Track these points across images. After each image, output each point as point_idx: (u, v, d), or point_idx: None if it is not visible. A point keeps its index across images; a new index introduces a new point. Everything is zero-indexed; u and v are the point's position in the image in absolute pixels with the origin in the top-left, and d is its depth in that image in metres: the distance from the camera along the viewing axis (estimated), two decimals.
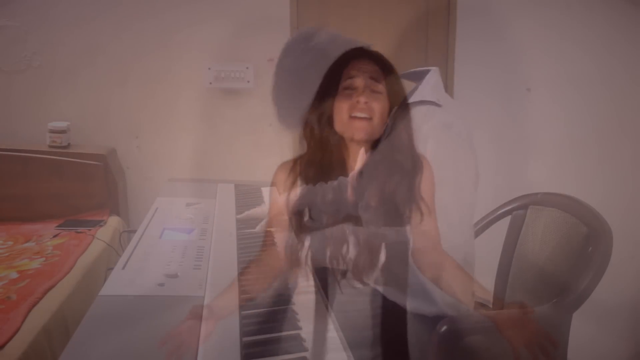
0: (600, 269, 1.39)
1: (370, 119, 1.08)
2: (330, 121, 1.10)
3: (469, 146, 1.35)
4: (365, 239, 1.09)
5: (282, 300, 1.18)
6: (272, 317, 1.13)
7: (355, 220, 1.09)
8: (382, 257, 1.11)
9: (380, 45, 1.58)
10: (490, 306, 1.72)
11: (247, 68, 2.53)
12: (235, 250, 1.48)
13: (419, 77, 1.42)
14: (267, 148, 2.58)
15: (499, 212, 1.73)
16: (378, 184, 1.09)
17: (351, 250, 1.11)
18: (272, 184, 1.20)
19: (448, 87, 2.54)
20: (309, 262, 1.14)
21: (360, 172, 1.10)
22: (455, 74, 2.53)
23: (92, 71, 2.54)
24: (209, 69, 2.52)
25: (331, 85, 1.10)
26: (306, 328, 1.09)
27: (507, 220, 1.72)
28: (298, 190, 1.13)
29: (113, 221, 2.34)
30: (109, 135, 2.59)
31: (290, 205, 1.13)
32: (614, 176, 2.52)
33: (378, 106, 1.08)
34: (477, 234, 1.73)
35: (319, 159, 1.12)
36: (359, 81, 1.09)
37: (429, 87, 1.38)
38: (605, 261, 1.40)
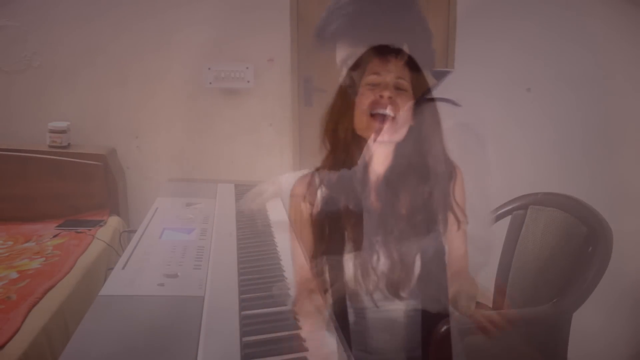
0: (600, 269, 1.39)
1: (393, 117, 0.99)
2: (351, 121, 1.01)
3: (486, 147, 1.33)
4: (398, 250, 1.02)
5: (282, 301, 1.18)
6: (272, 317, 1.13)
7: (384, 230, 1.02)
8: (417, 268, 1.04)
9: None
10: (490, 306, 1.73)
11: (247, 68, 2.53)
12: (235, 250, 1.48)
13: (438, 76, 1.40)
14: (267, 148, 2.59)
15: (499, 212, 1.73)
16: (409, 191, 1.01)
17: (382, 263, 1.03)
18: (292, 198, 1.12)
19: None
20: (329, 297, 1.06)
21: (386, 178, 1.04)
22: (455, 74, 2.53)
23: (92, 71, 2.54)
24: (209, 69, 2.52)
25: (354, 80, 1.02)
26: (306, 328, 1.09)
27: (507, 220, 1.72)
28: (319, 201, 1.05)
29: (113, 221, 2.34)
30: (109, 135, 2.59)
31: (313, 218, 1.05)
32: (614, 176, 2.52)
33: (403, 102, 1.00)
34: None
35: (341, 165, 1.04)
36: (384, 76, 1.00)
37: (447, 86, 1.35)
38: (605, 261, 1.40)
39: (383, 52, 1.04)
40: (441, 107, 1.23)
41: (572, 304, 1.38)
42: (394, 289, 1.04)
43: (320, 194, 1.05)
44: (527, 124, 2.55)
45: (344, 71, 1.24)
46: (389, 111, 0.98)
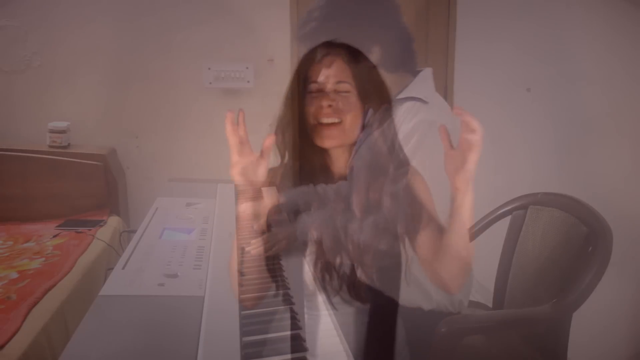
0: (600, 269, 1.39)
1: (339, 122, 0.99)
2: (303, 127, 1.02)
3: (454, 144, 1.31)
4: (359, 252, 1.00)
5: (282, 301, 1.18)
6: (272, 317, 1.13)
7: (344, 231, 1.00)
8: (376, 269, 1.02)
9: None
10: (490, 306, 1.73)
11: (247, 68, 2.53)
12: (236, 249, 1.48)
13: (413, 74, 1.39)
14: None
15: (499, 212, 1.73)
16: (362, 192, 1.00)
17: (345, 265, 1.02)
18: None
19: (448, 87, 2.55)
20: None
21: (344, 180, 1.03)
22: (455, 74, 2.53)
23: (92, 71, 2.54)
24: (209, 69, 2.52)
25: (298, 87, 1.03)
26: (306, 328, 1.09)
27: (507, 220, 1.72)
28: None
29: (113, 221, 2.34)
30: (109, 135, 2.59)
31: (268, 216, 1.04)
32: (614, 176, 2.52)
33: (347, 107, 0.99)
34: (477, 234, 1.73)
35: (296, 170, 1.05)
36: (323, 83, 1.00)
37: (417, 85, 1.33)
38: (605, 261, 1.40)
39: (318, 56, 1.02)
40: (406, 105, 1.24)
41: (572, 304, 1.38)
42: (358, 294, 1.02)
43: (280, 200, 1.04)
44: (527, 124, 2.55)
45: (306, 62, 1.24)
46: (333, 119, 0.98)
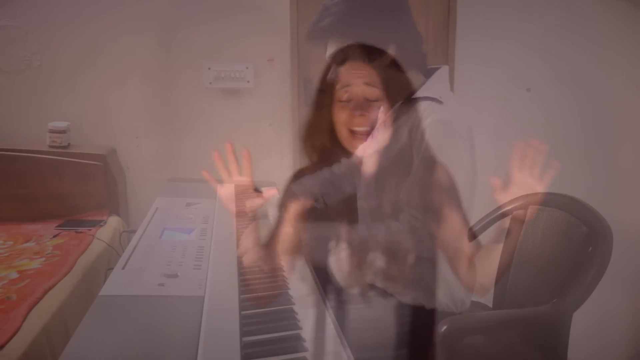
0: (600, 269, 1.39)
1: (369, 131, 1.02)
2: (332, 133, 1.04)
3: (468, 144, 1.32)
4: (390, 247, 1.04)
5: (282, 300, 1.18)
6: (272, 317, 1.14)
7: (377, 228, 1.05)
8: (414, 265, 1.06)
9: None
10: (490, 306, 1.73)
11: (247, 68, 2.53)
12: (235, 250, 1.48)
13: (428, 74, 1.39)
14: (267, 148, 2.59)
15: (498, 212, 1.73)
16: (391, 190, 1.04)
17: (379, 260, 1.06)
18: (285, 193, 1.15)
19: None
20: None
21: (375, 178, 1.06)
22: (455, 74, 2.53)
23: (92, 71, 2.54)
24: (209, 69, 2.52)
25: (327, 92, 1.04)
26: (306, 328, 1.09)
27: (507, 220, 1.72)
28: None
29: (113, 221, 2.34)
30: (109, 135, 2.59)
31: (303, 213, 1.08)
32: (614, 176, 2.53)
33: (375, 114, 1.02)
34: (477, 234, 1.73)
35: (338, 172, 1.08)
36: (353, 91, 1.02)
37: (434, 84, 1.32)
38: (605, 261, 1.40)
39: (348, 60, 1.04)
40: (421, 105, 1.22)
41: (572, 304, 1.38)
42: (392, 285, 1.06)
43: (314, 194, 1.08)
44: (527, 124, 2.55)
45: (332, 66, 1.25)
46: (365, 127, 1.00)
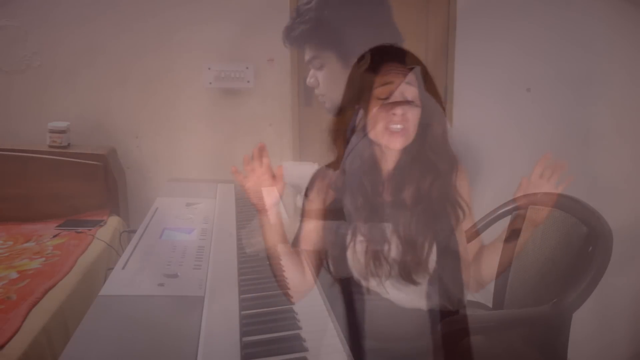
0: (600, 269, 1.39)
1: (405, 128, 1.06)
2: (364, 128, 1.08)
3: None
4: (408, 237, 1.09)
5: (282, 300, 1.18)
6: (272, 317, 1.14)
7: (396, 220, 1.09)
8: (434, 256, 1.10)
9: None
10: (490, 306, 1.73)
11: (247, 68, 2.53)
12: (235, 250, 1.48)
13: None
14: (267, 148, 2.58)
15: (499, 212, 1.73)
16: (413, 183, 1.09)
17: (393, 250, 1.10)
18: (309, 190, 1.18)
19: (448, 87, 2.55)
20: (333, 270, 1.14)
21: (395, 172, 1.11)
22: (455, 74, 2.53)
23: (92, 71, 2.54)
24: (209, 69, 2.52)
25: (364, 89, 1.07)
26: (306, 328, 1.09)
27: (507, 220, 1.72)
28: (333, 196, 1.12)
29: (113, 221, 2.34)
30: (109, 135, 2.59)
31: (326, 209, 1.12)
32: (614, 176, 2.52)
33: (413, 115, 1.06)
34: (477, 234, 1.73)
35: (352, 165, 1.11)
36: (395, 89, 1.05)
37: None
38: (605, 261, 1.40)
39: (390, 57, 1.08)
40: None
41: (572, 304, 1.38)
42: (407, 275, 1.09)
43: (335, 189, 1.12)
44: (527, 124, 2.55)
45: (310, 71, 1.35)
46: (402, 126, 1.05)
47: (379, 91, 1.06)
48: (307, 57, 1.38)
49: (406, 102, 1.06)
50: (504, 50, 2.50)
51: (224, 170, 2.57)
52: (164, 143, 2.59)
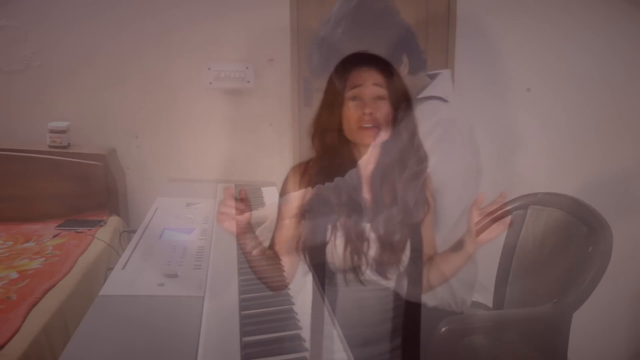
0: (600, 269, 1.39)
1: (376, 126, 1.13)
2: (339, 128, 1.15)
3: (470, 143, 1.38)
4: (386, 235, 1.14)
5: (282, 300, 1.18)
6: (272, 317, 1.13)
7: (373, 217, 1.15)
8: (407, 252, 1.16)
9: None
10: (490, 306, 1.73)
11: (247, 68, 2.53)
12: (235, 250, 1.48)
13: (433, 77, 1.49)
14: (267, 148, 2.59)
15: (499, 212, 1.73)
16: (390, 182, 1.15)
17: (371, 247, 1.15)
18: (284, 190, 1.23)
19: None
20: (308, 262, 1.18)
21: (374, 173, 1.17)
22: (455, 74, 2.53)
23: (92, 71, 2.54)
24: (209, 69, 2.52)
25: (338, 93, 1.15)
26: (306, 328, 1.09)
27: (506, 220, 1.72)
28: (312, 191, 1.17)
29: (113, 221, 2.34)
30: (109, 135, 2.59)
31: (304, 204, 1.17)
32: (614, 176, 2.52)
33: (382, 113, 1.13)
34: (477, 234, 1.73)
35: (330, 164, 1.17)
36: (364, 91, 1.14)
37: (438, 85, 1.43)
38: (605, 261, 1.40)
39: (358, 63, 1.16)
40: (428, 103, 1.36)
41: (572, 304, 1.38)
42: (382, 271, 1.16)
43: (312, 185, 1.17)
44: (527, 124, 2.55)
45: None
46: (372, 124, 1.13)
47: (350, 93, 1.14)
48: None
49: (375, 100, 1.14)
50: (504, 50, 2.50)
51: (224, 170, 2.58)
52: (164, 143, 2.59)
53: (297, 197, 1.19)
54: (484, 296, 1.76)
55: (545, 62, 2.50)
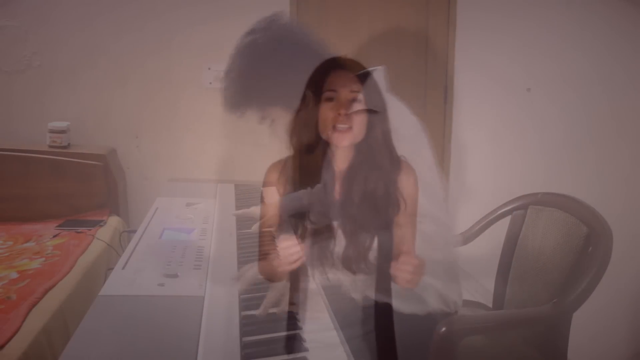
0: (600, 269, 1.39)
1: (350, 128, 1.15)
2: (316, 128, 1.17)
3: (420, 143, 1.38)
4: (352, 232, 1.18)
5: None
6: (272, 317, 1.14)
7: (343, 216, 1.18)
8: (374, 250, 1.18)
9: (380, 45, 1.54)
10: (490, 306, 1.73)
11: None
12: (235, 250, 1.48)
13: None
14: (267, 148, 2.58)
15: (499, 212, 1.73)
16: (361, 182, 1.17)
17: (338, 244, 1.18)
18: (265, 185, 1.30)
19: (448, 87, 2.55)
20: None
21: (347, 171, 1.19)
22: (455, 74, 2.53)
23: (92, 71, 2.54)
24: (209, 69, 2.52)
25: (315, 95, 1.18)
26: (306, 328, 1.09)
27: (507, 220, 1.72)
28: (289, 192, 1.21)
29: (113, 221, 2.34)
30: (109, 135, 2.59)
31: (281, 207, 1.21)
32: (614, 176, 2.53)
33: (357, 116, 1.16)
34: (477, 234, 1.73)
35: (307, 163, 1.20)
36: (341, 93, 1.16)
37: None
38: (605, 261, 1.40)
39: (336, 67, 1.19)
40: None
41: (572, 304, 1.39)
42: (348, 265, 1.19)
43: (290, 184, 1.22)
44: (527, 124, 2.55)
45: (272, 126, 1.52)
46: (347, 125, 1.15)
47: (326, 95, 1.16)
48: (259, 117, 1.52)
49: (351, 102, 1.16)
50: (504, 50, 2.50)
51: (224, 170, 2.58)
52: (164, 143, 2.59)
53: (274, 192, 1.25)
54: (484, 296, 1.76)
55: (545, 63, 2.50)
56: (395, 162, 1.20)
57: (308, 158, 1.19)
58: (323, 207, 1.18)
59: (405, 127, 1.33)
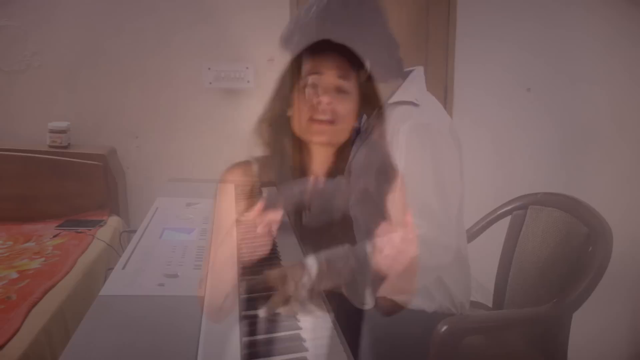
0: (600, 269, 1.39)
1: (332, 121, 0.96)
2: (288, 122, 0.99)
3: (450, 143, 1.26)
4: (357, 233, 1.07)
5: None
6: (272, 317, 1.13)
7: (320, 230, 1.09)
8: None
9: None
10: (490, 306, 1.73)
11: (247, 68, 2.53)
12: (235, 250, 1.48)
13: (404, 77, 1.37)
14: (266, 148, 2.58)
15: (499, 212, 1.73)
16: (362, 183, 1.02)
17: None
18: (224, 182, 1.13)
19: (448, 87, 2.55)
20: None
21: (348, 172, 1.05)
22: (455, 74, 2.53)
23: (92, 71, 2.54)
24: (209, 69, 2.52)
25: (291, 81, 0.98)
26: (306, 328, 1.09)
27: (507, 220, 1.72)
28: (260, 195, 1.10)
29: (113, 221, 2.34)
30: (109, 135, 2.59)
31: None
32: (614, 176, 2.53)
33: (343, 108, 0.96)
34: (477, 234, 1.73)
35: (277, 163, 1.04)
36: (324, 78, 0.96)
37: (409, 87, 1.27)
38: (605, 261, 1.40)
39: (322, 48, 0.96)
40: (398, 110, 1.19)
41: (572, 304, 1.38)
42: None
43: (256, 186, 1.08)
44: (527, 124, 2.55)
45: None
46: (328, 117, 0.94)
47: (309, 79, 0.95)
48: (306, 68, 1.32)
49: (337, 91, 0.95)
50: (504, 49, 2.50)
51: (224, 170, 2.58)
52: (164, 143, 2.60)
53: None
54: (484, 296, 1.76)
55: (545, 62, 2.50)
56: (392, 174, 1.03)
57: (279, 158, 1.03)
58: (329, 206, 1.08)
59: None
